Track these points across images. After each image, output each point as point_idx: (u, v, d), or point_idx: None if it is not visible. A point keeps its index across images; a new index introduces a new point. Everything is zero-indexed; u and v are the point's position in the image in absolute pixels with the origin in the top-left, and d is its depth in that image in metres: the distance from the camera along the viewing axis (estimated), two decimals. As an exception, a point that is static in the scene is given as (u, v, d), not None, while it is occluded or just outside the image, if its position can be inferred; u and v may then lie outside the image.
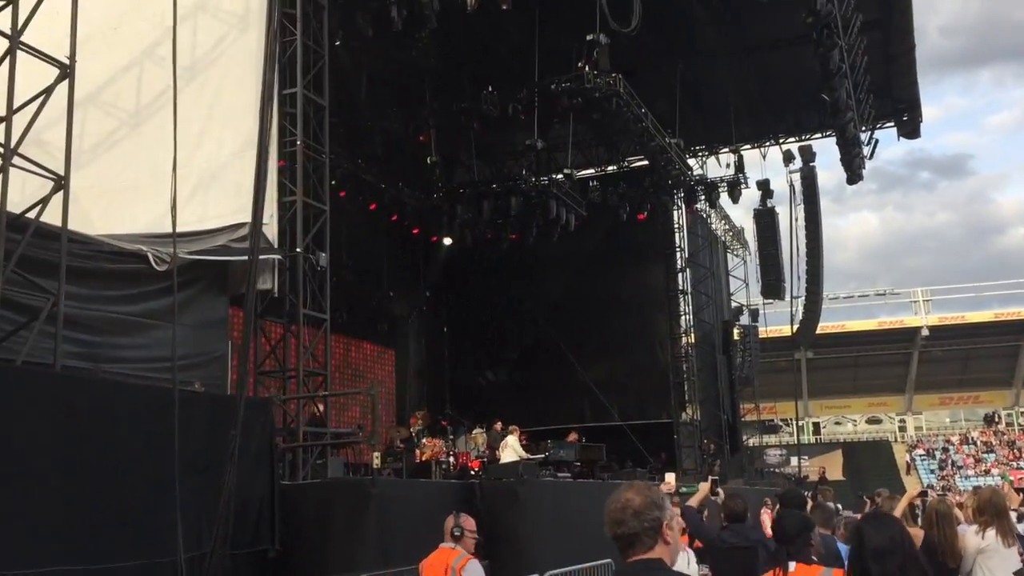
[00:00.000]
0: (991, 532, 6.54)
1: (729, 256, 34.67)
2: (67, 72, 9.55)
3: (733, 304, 34.05)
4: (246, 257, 10.56)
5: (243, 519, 8.98)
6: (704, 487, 7.44)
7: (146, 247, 10.88)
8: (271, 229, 12.07)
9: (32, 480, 7.23)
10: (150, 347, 10.53)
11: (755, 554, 6.41)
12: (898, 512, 7.24)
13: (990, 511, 6.79)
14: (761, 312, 35.25)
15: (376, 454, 10.09)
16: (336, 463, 12.66)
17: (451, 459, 17.54)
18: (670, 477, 7.25)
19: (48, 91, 9.66)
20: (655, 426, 25.69)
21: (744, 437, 33.44)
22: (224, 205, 12.07)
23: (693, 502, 7.51)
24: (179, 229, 11.41)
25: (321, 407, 13.06)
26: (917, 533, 7.04)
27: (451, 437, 19.98)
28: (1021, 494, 8.56)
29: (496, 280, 26.66)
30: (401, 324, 26.56)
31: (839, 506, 15.03)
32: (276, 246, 12.21)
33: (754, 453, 36.63)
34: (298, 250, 12.62)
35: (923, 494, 7.94)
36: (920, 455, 58.83)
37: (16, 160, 9.27)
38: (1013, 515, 7.83)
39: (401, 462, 15.93)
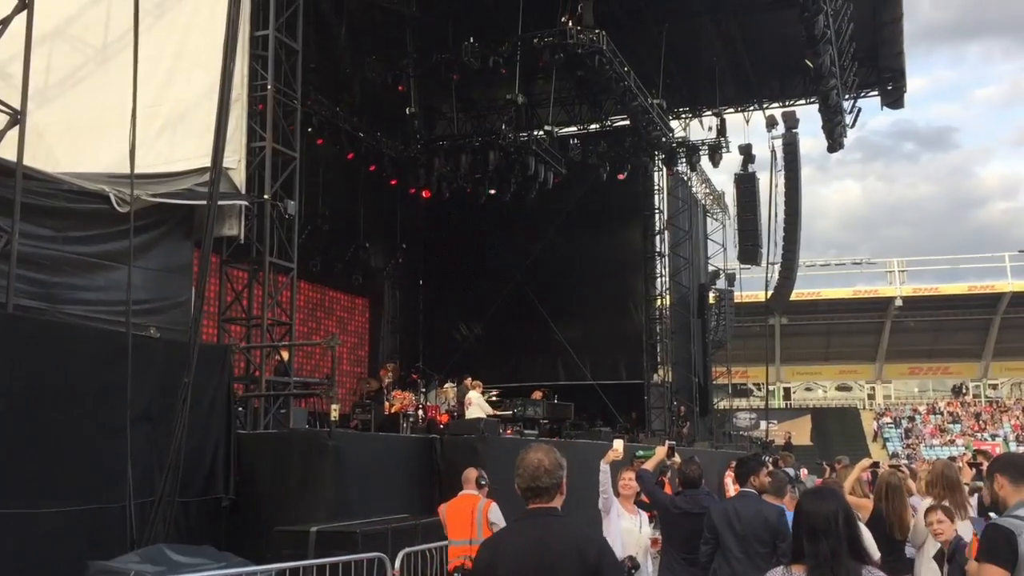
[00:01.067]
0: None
1: (708, 220, 34.60)
2: (26, 2, 9.19)
3: (710, 268, 34.06)
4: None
5: (197, 466, 8.86)
6: (660, 451, 7.41)
7: (109, 187, 10.59)
8: (238, 174, 11.80)
9: (-23, 421, 7.05)
10: (108, 290, 10.29)
11: (703, 520, 6.40)
12: (848, 484, 7.21)
13: (942, 484, 6.77)
14: (737, 277, 35.30)
15: (334, 407, 9.95)
16: (299, 413, 12.56)
17: (420, 412, 17.52)
18: (618, 444, 7.17)
19: (5, 22, 9.32)
20: (627, 386, 25.77)
21: (714, 400, 33.64)
22: (192, 147, 11.76)
23: (649, 465, 7.47)
24: (145, 170, 11.17)
25: (285, 355, 12.90)
26: (866, 505, 7.01)
27: (422, 391, 19.97)
28: (974, 469, 8.55)
29: (473, 235, 26.47)
30: (376, 275, 26.36)
31: (803, 471, 15.10)
32: (243, 191, 11.95)
33: (724, 416, 36.94)
34: (265, 197, 12.35)
35: (875, 465, 7.92)
36: (887, 423, 59.56)
37: (-28, 92, 8.97)
38: (965, 488, 7.83)
39: (370, 414, 15.88)
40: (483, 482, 8.04)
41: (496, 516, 7.48)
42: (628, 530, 6.99)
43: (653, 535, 7.40)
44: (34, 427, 7.48)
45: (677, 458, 7.24)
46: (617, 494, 7.19)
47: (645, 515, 7.45)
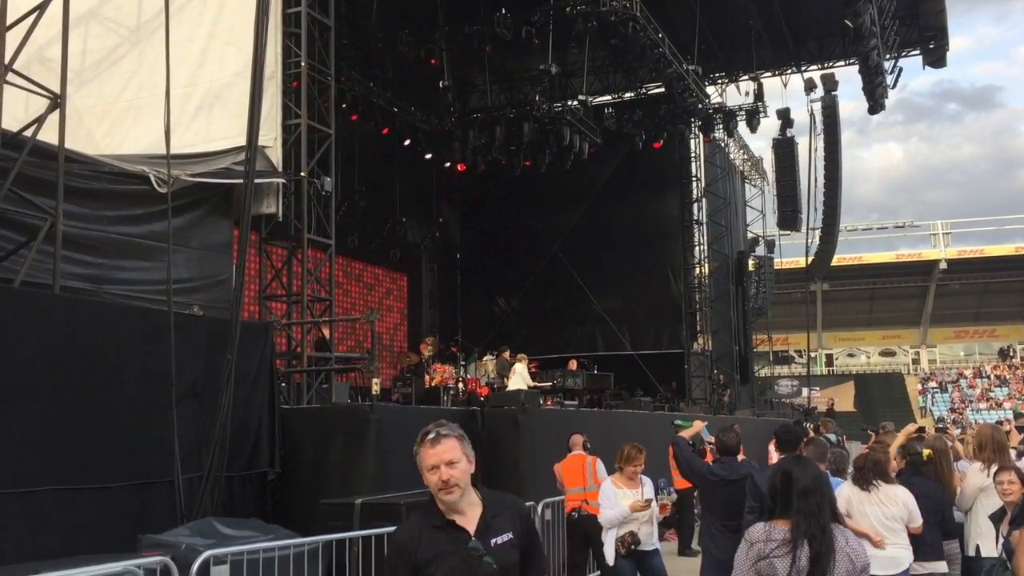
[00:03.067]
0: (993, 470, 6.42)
1: (746, 186, 34.19)
2: (61, -14, 9.26)
3: (749, 235, 33.68)
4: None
5: (242, 442, 8.98)
6: (698, 424, 7.45)
7: (148, 168, 10.71)
8: (274, 152, 11.86)
9: (29, 401, 7.21)
10: (151, 270, 10.43)
11: (742, 487, 6.38)
12: (893, 449, 7.13)
13: (991, 447, 6.67)
14: (777, 243, 34.89)
15: (375, 381, 10.03)
16: (341, 388, 12.68)
17: (460, 385, 17.65)
18: (699, 423, 7.51)
19: (43, 6, 9.40)
20: (666, 356, 25.67)
21: (755, 368, 33.42)
22: (228, 126, 11.83)
23: (686, 435, 7.47)
24: (182, 150, 11.29)
25: (327, 332, 13.01)
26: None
27: (461, 364, 20.09)
28: (1022, 432, 8.42)
29: (509, 208, 26.42)
30: (414, 250, 26.47)
31: (844, 437, 14.97)
32: (280, 169, 12.01)
33: (765, 384, 36.73)
34: (302, 174, 12.40)
35: (920, 431, 7.82)
36: (933, 388, 58.79)
37: (13, 78, 9.08)
38: (1012, 452, 7.72)
39: (410, 387, 16.02)
40: (589, 446, 9.84)
41: (602, 470, 9.06)
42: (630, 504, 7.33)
43: (664, 500, 7.72)
44: (85, 405, 7.63)
45: (709, 440, 7.44)
46: (620, 469, 7.49)
47: (648, 483, 7.55)
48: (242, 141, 11.01)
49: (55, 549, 6.86)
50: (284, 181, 12.10)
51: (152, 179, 10.51)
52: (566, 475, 9.57)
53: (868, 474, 6.31)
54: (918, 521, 6.32)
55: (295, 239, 12.86)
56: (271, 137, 11.81)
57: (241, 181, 10.09)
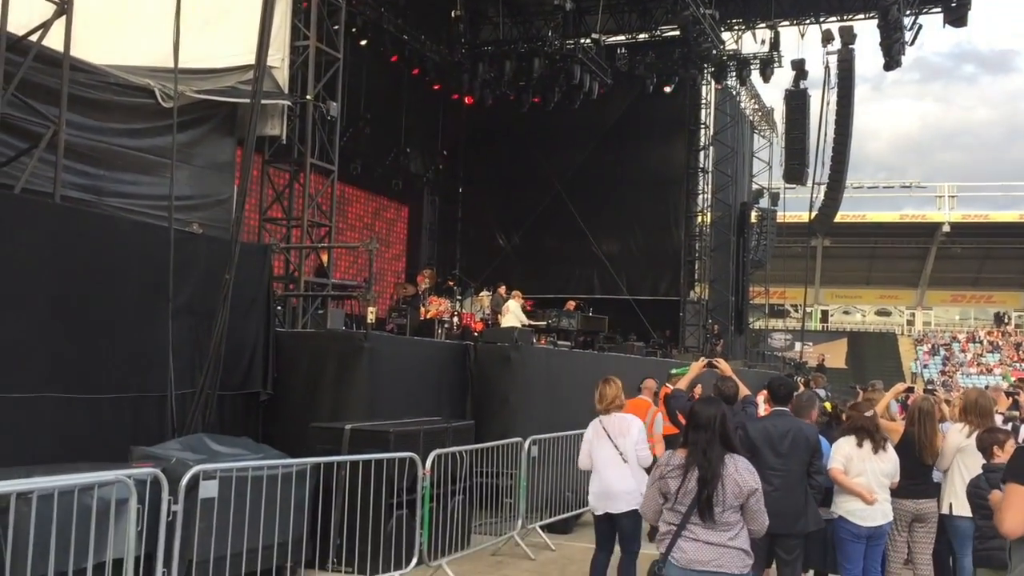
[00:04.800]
0: (975, 432, 6.53)
1: (755, 137, 33.90)
2: None
3: (754, 186, 33.48)
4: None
5: (236, 362, 9.07)
6: (695, 366, 7.43)
7: (153, 82, 10.63)
8: (281, 73, 11.76)
9: (26, 308, 7.25)
10: (152, 184, 10.42)
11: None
12: (880, 407, 7.24)
13: (974, 412, 6.77)
14: (781, 196, 34.80)
15: (371, 310, 10.10)
16: (337, 314, 12.75)
17: (455, 319, 17.70)
18: (724, 364, 7.30)
19: (50, -91, 9.21)
20: (662, 303, 25.76)
21: (750, 319, 33.55)
22: (235, 44, 11.70)
23: (683, 383, 7.50)
24: (188, 65, 11.16)
25: (325, 258, 13.04)
26: (896, 428, 7.05)
27: (458, 298, 20.14)
28: (1011, 399, 8.52)
29: (515, 144, 26.23)
30: (416, 182, 26.37)
31: (829, 393, 15.13)
32: (286, 91, 11.92)
33: (759, 336, 36.88)
34: (308, 97, 12.31)
35: (909, 390, 7.92)
36: (925, 350, 59.13)
37: (17, -19, 8.94)
38: (999, 418, 7.83)
39: (405, 318, 16.08)
40: (657, 390, 9.94)
41: (660, 423, 9.44)
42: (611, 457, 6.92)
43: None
44: (82, 315, 7.68)
45: (723, 366, 7.27)
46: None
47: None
48: (249, 60, 10.91)
49: (49, 455, 6.97)
50: (289, 103, 12.03)
51: (157, 93, 10.45)
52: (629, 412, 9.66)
53: (874, 435, 6.46)
54: (896, 476, 6.54)
55: (298, 163, 12.84)
56: (278, 58, 11.71)
57: (247, 100, 10.02)
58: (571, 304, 20.09)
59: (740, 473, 4.38)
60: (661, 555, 4.46)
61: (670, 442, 11.84)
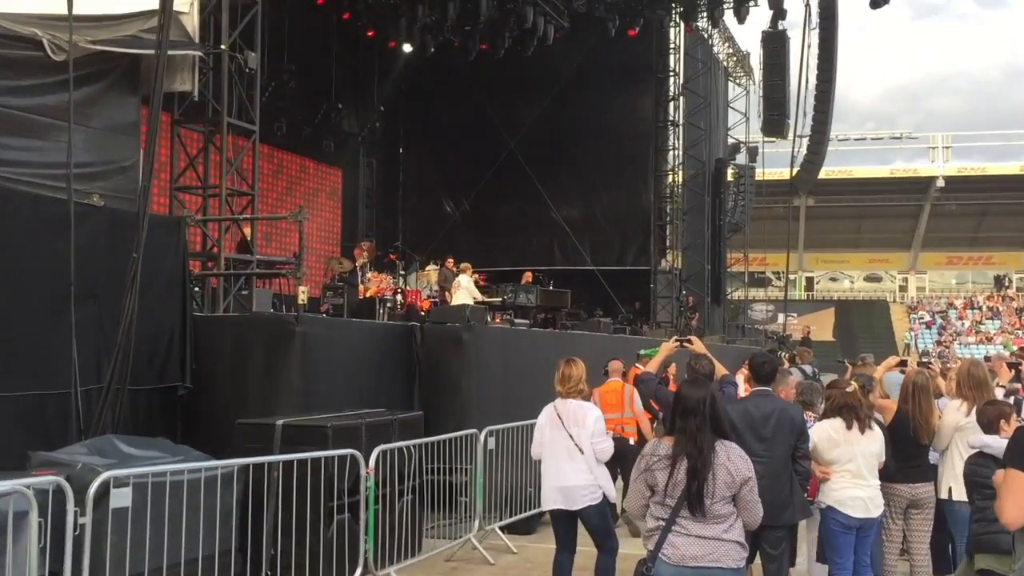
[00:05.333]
0: (973, 409, 6.65)
1: (730, 85, 34.16)
2: None
3: (730, 141, 33.81)
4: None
5: (149, 352, 8.93)
6: (666, 347, 7.45)
7: (41, 31, 10.36)
8: (190, 19, 11.55)
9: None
10: (45, 151, 10.20)
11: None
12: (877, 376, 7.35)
13: (968, 385, 6.90)
14: (760, 151, 35.13)
15: (302, 289, 10.02)
16: (263, 296, 12.66)
17: (398, 297, 17.66)
18: (697, 341, 7.31)
19: None
20: (631, 273, 25.97)
21: (728, 290, 33.97)
22: (136, -14, 11.47)
23: (652, 365, 7.53)
24: (83, 12, 10.90)
25: (247, 231, 12.90)
26: (889, 406, 7.17)
27: (401, 273, 20.09)
28: (1013, 370, 8.70)
29: (461, 98, 26.13)
30: (350, 142, 26.16)
31: (816, 369, 15.40)
32: (197, 40, 11.71)
33: (738, 308, 37.38)
34: (223, 47, 12.12)
35: (902, 364, 8.06)
36: (919, 318, 60.26)
37: None
38: (1000, 391, 7.99)
39: (342, 298, 16.02)
40: (624, 370, 11.10)
41: (639, 400, 10.28)
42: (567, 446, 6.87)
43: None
44: (-35, 305, 7.51)
45: (696, 344, 7.30)
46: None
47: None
48: (152, 4, 10.70)
49: (-67, 465, 6.83)
50: (201, 54, 11.82)
51: (46, 44, 10.19)
52: (603, 401, 10.42)
53: (860, 412, 6.52)
54: (883, 456, 6.64)
55: (213, 123, 12.66)
56: (187, 2, 11.48)
57: (152, 52, 9.81)
58: (528, 276, 20.17)
59: (732, 461, 4.48)
60: (650, 553, 4.54)
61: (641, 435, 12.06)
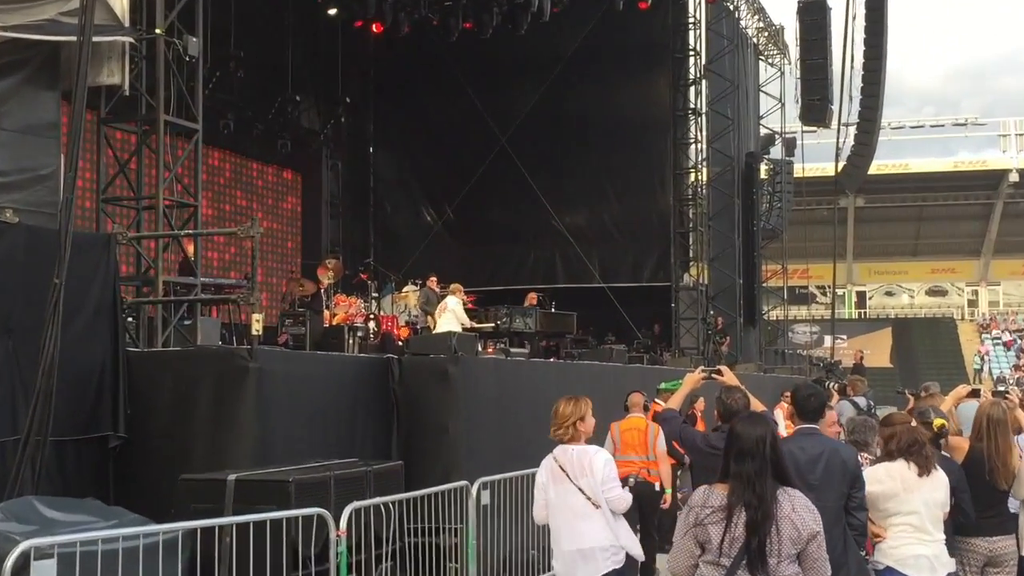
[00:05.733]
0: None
1: (761, 66, 34.30)
2: None
3: (762, 131, 33.93)
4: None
5: (75, 396, 8.91)
6: (690, 379, 7.45)
7: (-59, 16, 10.42)
8: (119, 1, 11.59)
9: None
10: (-54, 158, 10.22)
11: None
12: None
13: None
14: (799, 143, 35.21)
15: (256, 317, 10.02)
16: (210, 326, 12.63)
17: (371, 325, 17.68)
18: (727, 372, 7.30)
19: None
20: (647, 290, 26.01)
21: (765, 308, 33.99)
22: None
23: (675, 401, 7.53)
24: (-11, -7, 10.97)
25: (191, 249, 12.91)
26: (961, 445, 7.17)
27: (373, 295, 20.12)
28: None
29: (442, 86, 26.21)
30: (311, 141, 26.19)
31: (871, 402, 15.41)
32: (126, 24, 11.75)
33: (776, 330, 37.38)
34: (157, 31, 12.16)
35: (974, 394, 8.06)
36: (993, 338, 60.22)
37: None
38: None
39: (304, 327, 16.03)
40: (648, 403, 11.51)
41: (663, 443, 10.76)
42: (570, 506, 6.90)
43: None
44: None
45: (727, 375, 7.30)
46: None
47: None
48: (73, -18, 10.76)
49: None
50: (132, 40, 11.85)
51: (-54, 31, 10.24)
52: (624, 440, 11.00)
53: (925, 451, 6.48)
54: (947, 506, 6.60)
55: (147, 121, 12.67)
56: (114, -21, 11.53)
57: (73, 38, 9.85)
58: (531, 297, 20.15)
59: (798, 512, 4.48)
60: None
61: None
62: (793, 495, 4.52)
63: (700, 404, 13.57)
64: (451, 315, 16.54)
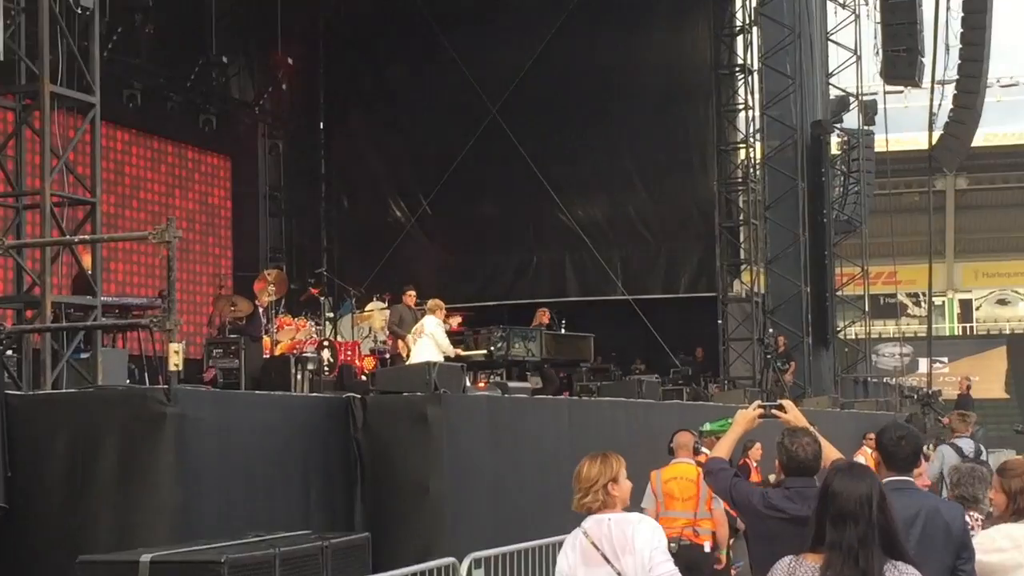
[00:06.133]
0: None
1: (830, 8, 34.32)
2: None
3: (833, 93, 33.89)
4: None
5: (-62, 454, 8.96)
6: (743, 418, 7.40)
7: None
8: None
9: None
10: None
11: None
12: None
13: None
14: (881, 108, 35.16)
15: (175, 347, 9.98)
16: (115, 359, 12.66)
17: (325, 354, 17.69)
18: (792, 407, 7.20)
19: None
20: (687, 304, 26.12)
21: (840, 324, 33.94)
22: None
23: (723, 448, 7.51)
24: None
25: (88, 260, 12.91)
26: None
27: (328, 316, 20.14)
28: None
29: (414, 41, 26.25)
30: (242, 114, 26.19)
31: (980, 446, 15.37)
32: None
33: (855, 352, 37.34)
34: (40, -21, 12.19)
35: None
36: None
37: None
38: None
39: (237, 358, 16.04)
40: (698, 445, 11.30)
41: (720, 501, 10.18)
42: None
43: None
44: None
45: (791, 412, 7.28)
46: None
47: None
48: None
49: None
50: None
51: None
52: (669, 490, 11.01)
53: None
54: None
55: (28, 93, 12.67)
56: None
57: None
58: (543, 315, 20.11)
59: None
60: None
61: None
62: (903, 571, 4.49)
63: (756, 451, 13.58)
64: (429, 340, 16.52)
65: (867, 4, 33.71)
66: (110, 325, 12.88)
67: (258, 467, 10.30)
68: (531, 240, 26.48)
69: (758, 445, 13.31)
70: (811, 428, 7.06)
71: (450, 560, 9.58)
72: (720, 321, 26.18)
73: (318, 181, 28.11)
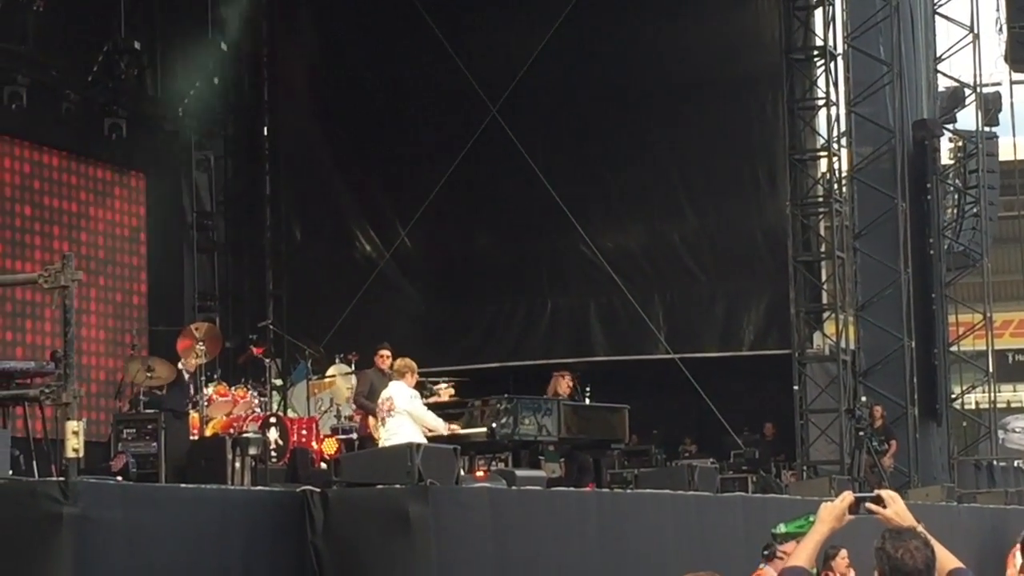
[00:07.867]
0: None
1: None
2: None
3: (943, 84, 34.02)
4: None
5: None
6: (827, 514, 7.45)
7: None
8: None
9: None
10: None
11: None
12: None
13: None
14: (1006, 102, 35.30)
15: (74, 427, 10.02)
16: (-6, 442, 12.70)
17: (273, 434, 17.75)
18: (896, 499, 7.26)
19: None
20: (753, 365, 26.08)
21: (956, 390, 33.96)
22: None
23: (802, 557, 7.56)
24: None
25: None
26: None
27: (275, 383, 20.18)
28: None
29: (389, 22, 26.42)
30: (162, 119, 26.30)
31: None
32: None
33: (977, 426, 37.34)
34: None
35: None
36: None
37: None
38: None
39: (155, 440, 16.08)
40: (768, 552, 12.62)
41: None
42: None
43: None
44: None
45: (894, 506, 7.31)
46: None
47: None
48: None
49: None
50: None
51: None
52: None
53: None
54: None
55: None
56: None
57: None
58: (565, 383, 20.08)
59: None
60: None
61: None
62: None
63: (841, 562, 13.60)
64: (403, 418, 16.51)
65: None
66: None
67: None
68: (544, 281, 26.53)
69: (843, 552, 13.28)
70: (919, 527, 7.11)
71: None
72: (796, 387, 26.12)
73: (262, 205, 28.09)
